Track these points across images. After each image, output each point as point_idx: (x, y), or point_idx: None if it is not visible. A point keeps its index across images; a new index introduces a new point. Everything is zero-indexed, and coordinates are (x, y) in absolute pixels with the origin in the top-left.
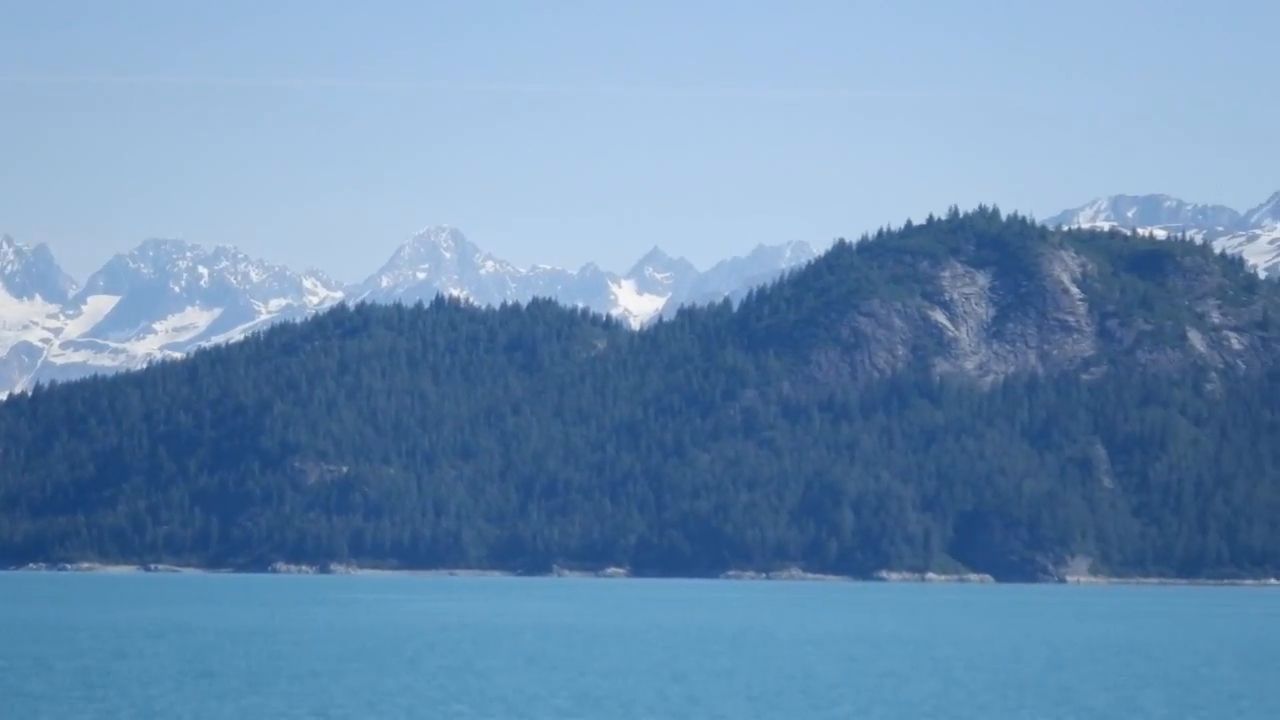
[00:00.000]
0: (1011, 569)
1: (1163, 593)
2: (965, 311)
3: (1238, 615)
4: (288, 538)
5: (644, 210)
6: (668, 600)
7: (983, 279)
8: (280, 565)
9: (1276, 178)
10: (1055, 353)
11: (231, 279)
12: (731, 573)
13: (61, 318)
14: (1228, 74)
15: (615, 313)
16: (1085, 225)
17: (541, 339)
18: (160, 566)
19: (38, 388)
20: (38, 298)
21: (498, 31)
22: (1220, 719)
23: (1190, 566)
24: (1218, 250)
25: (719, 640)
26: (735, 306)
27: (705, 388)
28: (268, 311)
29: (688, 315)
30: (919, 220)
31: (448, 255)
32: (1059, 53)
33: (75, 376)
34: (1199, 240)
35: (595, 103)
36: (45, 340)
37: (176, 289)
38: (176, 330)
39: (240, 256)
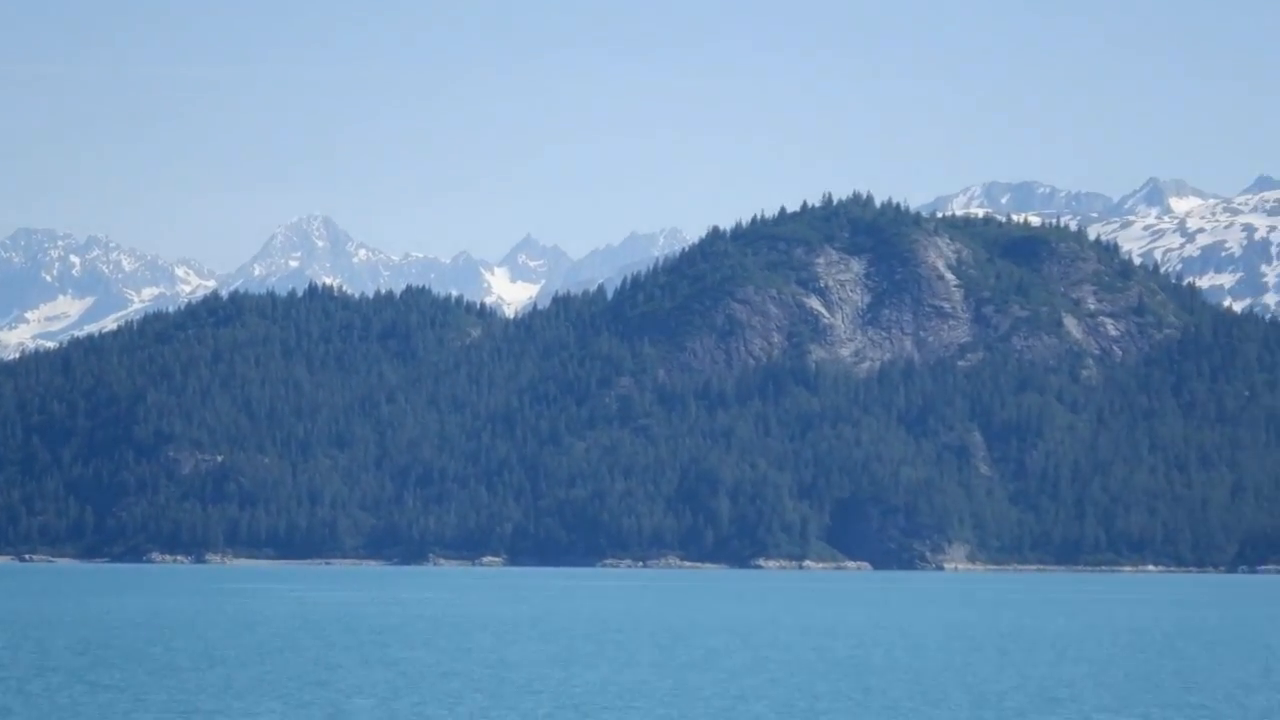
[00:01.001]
0: (889, 556)
1: (1041, 580)
2: (841, 298)
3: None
4: (163, 528)
5: (516, 198)
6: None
7: (858, 266)
8: (156, 555)
9: (1150, 164)
10: (931, 339)
11: (103, 268)
12: (608, 561)
13: None
14: (1099, 60)
15: (489, 300)
16: (959, 212)
17: (415, 327)
18: (35, 557)
19: None
20: None
21: (367, 18)
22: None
23: (1067, 553)
24: (1092, 237)
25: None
26: (610, 294)
27: (580, 375)
28: (140, 300)
29: (562, 303)
30: (793, 207)
31: (320, 244)
32: (930, 40)
33: None
34: (1074, 226)
35: (465, 89)
36: None
37: (48, 278)
38: (49, 319)
39: (112, 245)
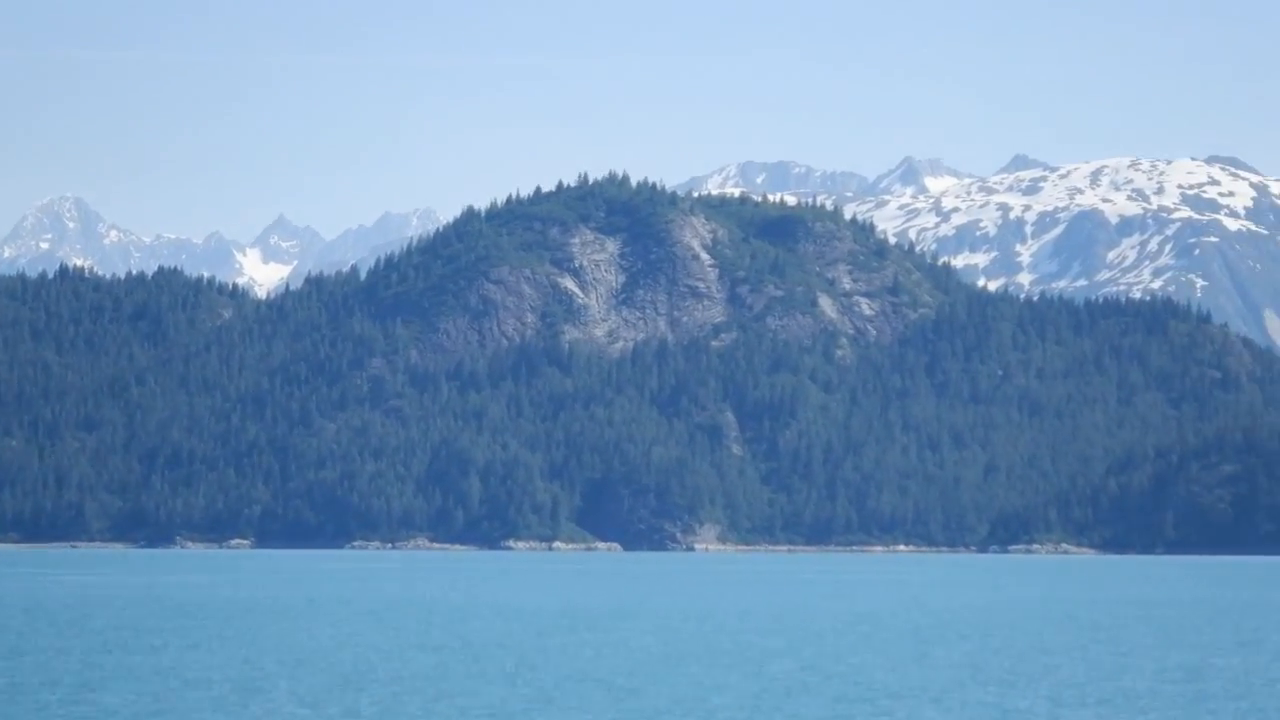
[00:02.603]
0: (639, 537)
1: (793, 559)
2: (595, 279)
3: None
4: None
5: (269, 178)
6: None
7: (613, 246)
8: None
9: (904, 143)
10: (685, 319)
11: None
12: (357, 543)
13: None
14: (851, 40)
15: (241, 282)
16: (715, 192)
17: (167, 309)
18: None
19: None
20: None
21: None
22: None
23: (819, 533)
24: (848, 216)
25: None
26: (363, 275)
27: (332, 356)
28: None
29: (315, 284)
30: (549, 187)
31: (71, 225)
32: (685, 20)
33: None
34: (830, 206)
35: (219, 71)
36: None
37: None
38: None
39: None
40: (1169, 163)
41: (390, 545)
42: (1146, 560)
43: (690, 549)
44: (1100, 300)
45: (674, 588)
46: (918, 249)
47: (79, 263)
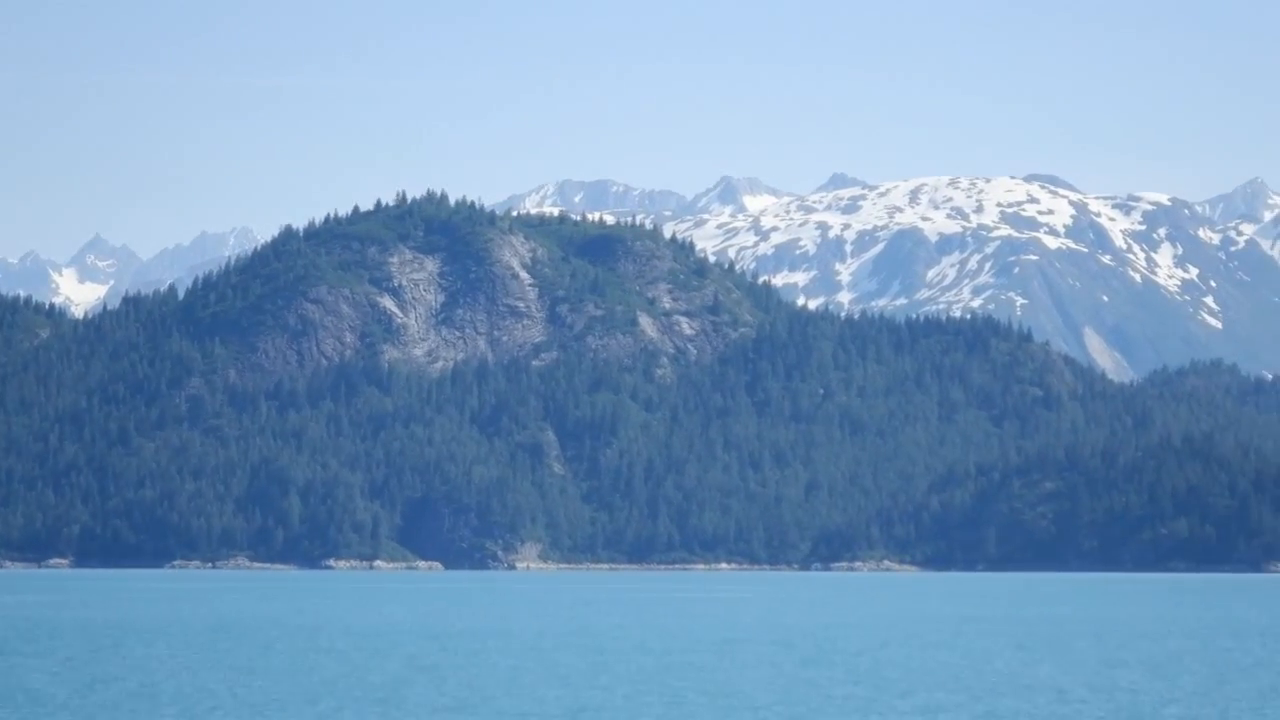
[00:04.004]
0: (461, 556)
1: (616, 578)
2: (414, 298)
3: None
4: None
5: (84, 197)
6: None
7: (432, 265)
8: None
9: (722, 162)
10: (505, 339)
11: None
12: (177, 562)
13: None
14: (668, 58)
15: (57, 301)
16: (533, 211)
17: None
18: None
19: None
20: None
21: None
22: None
23: (641, 551)
24: (667, 235)
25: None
26: (180, 294)
27: (150, 376)
28: None
29: (132, 303)
30: (367, 206)
31: None
32: (500, 39)
33: None
34: (649, 225)
35: (32, 88)
36: None
37: None
38: None
39: None
40: (988, 181)
41: (210, 565)
42: (970, 577)
43: (512, 567)
44: (921, 319)
45: (519, 608)
46: (737, 268)
47: None
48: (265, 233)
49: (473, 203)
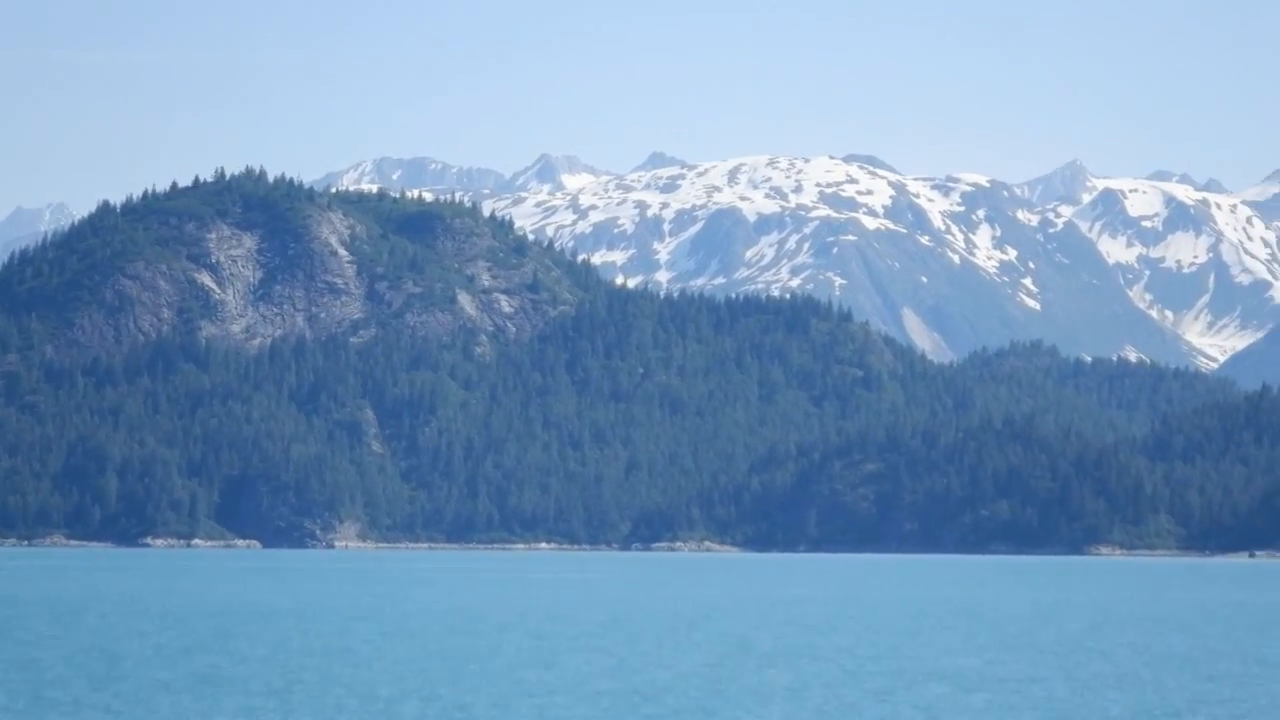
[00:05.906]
0: (279, 535)
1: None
2: (232, 274)
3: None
4: None
5: None
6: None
7: (250, 241)
8: None
9: (540, 141)
10: (324, 315)
11: None
12: None
13: None
14: (485, 36)
15: None
16: (351, 188)
17: None
18: None
19: None
20: None
21: None
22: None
23: (460, 530)
24: (486, 213)
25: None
26: None
27: None
28: None
29: None
30: (185, 182)
31: None
32: (322, 14)
33: None
34: (468, 203)
35: None
36: None
37: None
38: None
39: None
40: (807, 161)
41: (26, 543)
42: (795, 558)
43: (330, 546)
44: (740, 298)
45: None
46: (556, 246)
47: None
48: (82, 209)
49: (291, 180)
